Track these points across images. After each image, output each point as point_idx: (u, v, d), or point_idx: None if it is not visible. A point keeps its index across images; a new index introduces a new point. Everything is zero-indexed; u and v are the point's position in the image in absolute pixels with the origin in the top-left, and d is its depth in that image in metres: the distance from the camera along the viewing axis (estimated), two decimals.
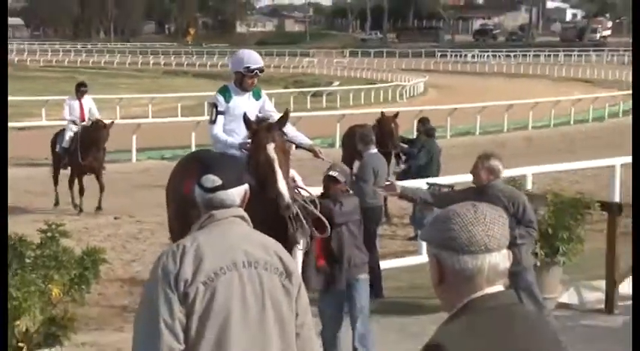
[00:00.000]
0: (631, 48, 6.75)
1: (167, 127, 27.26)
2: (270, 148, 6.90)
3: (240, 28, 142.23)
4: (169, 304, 3.51)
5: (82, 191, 16.48)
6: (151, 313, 3.57)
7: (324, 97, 45.67)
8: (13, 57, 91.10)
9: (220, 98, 8.04)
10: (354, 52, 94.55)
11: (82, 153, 16.30)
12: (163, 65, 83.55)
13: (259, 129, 7.15)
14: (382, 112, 16.41)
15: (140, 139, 23.79)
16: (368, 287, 7.79)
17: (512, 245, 6.10)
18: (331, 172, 7.66)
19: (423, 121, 15.42)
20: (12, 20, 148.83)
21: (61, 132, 17.10)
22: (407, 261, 11.55)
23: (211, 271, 3.56)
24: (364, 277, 7.70)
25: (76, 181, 16.53)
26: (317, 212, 7.45)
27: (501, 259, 2.55)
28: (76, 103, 16.96)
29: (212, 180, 3.74)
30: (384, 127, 15.28)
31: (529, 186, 12.36)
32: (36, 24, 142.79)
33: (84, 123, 16.69)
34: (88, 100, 17.11)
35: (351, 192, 8.18)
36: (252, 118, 7.79)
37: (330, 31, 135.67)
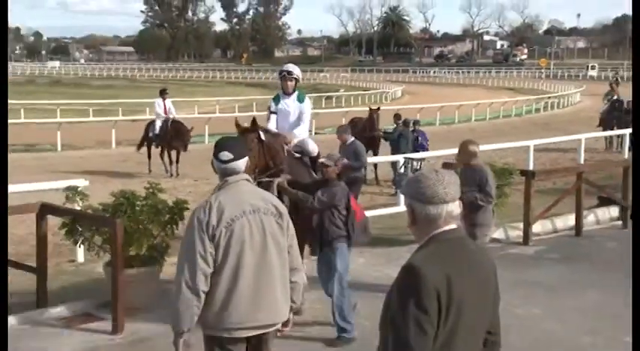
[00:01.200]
0: (631, 47, 6.03)
1: (228, 119, 27.23)
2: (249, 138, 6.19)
3: (277, 53, 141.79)
4: (202, 242, 3.68)
5: (171, 162, 16.48)
6: (189, 249, 3.72)
7: (334, 100, 45.51)
8: (127, 73, 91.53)
9: (272, 103, 7.55)
10: (354, 69, 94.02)
11: (173, 136, 16.41)
12: (226, 78, 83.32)
13: (243, 129, 6.34)
14: (369, 107, 17.03)
15: (211, 127, 23.73)
16: (345, 254, 6.41)
17: (474, 206, 5.86)
18: (320, 160, 6.80)
19: (397, 116, 15.47)
20: (126, 48, 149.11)
21: (152, 122, 17.16)
22: (389, 210, 11.51)
23: (229, 218, 3.73)
24: (339, 245, 6.34)
25: (166, 155, 16.55)
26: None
27: (455, 207, 2.62)
28: (160, 103, 17.03)
29: (226, 155, 3.86)
30: (369, 118, 15.94)
31: None
32: (142, 51, 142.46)
33: (165, 116, 16.82)
34: (168, 102, 17.18)
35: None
36: (294, 115, 7.36)
37: (338, 55, 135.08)
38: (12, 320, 6.42)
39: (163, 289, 7.49)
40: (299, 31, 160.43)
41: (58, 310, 6.75)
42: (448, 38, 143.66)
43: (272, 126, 7.25)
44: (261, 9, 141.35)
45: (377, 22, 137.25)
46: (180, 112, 21.67)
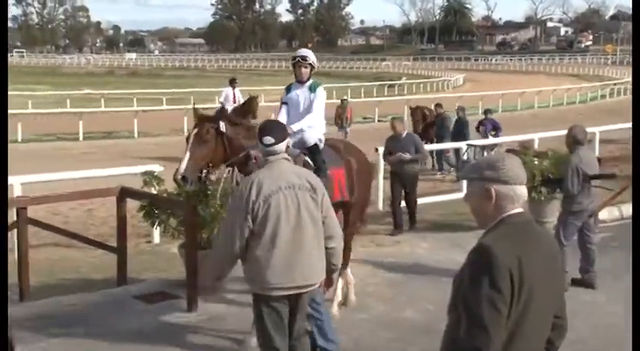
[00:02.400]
0: (631, 48, 5.63)
1: None
2: (192, 133, 5.44)
3: (341, 43, 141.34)
4: (240, 213, 4.17)
5: None
6: (229, 216, 4.37)
7: (396, 88, 45.03)
8: (197, 64, 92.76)
9: (284, 92, 6.58)
10: (416, 58, 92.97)
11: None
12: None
13: (201, 118, 5.57)
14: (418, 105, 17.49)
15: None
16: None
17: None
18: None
19: (438, 105, 15.96)
20: (196, 40, 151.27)
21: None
22: (453, 196, 11.34)
23: (267, 193, 4.15)
24: None
25: None
26: None
27: (525, 191, 2.64)
28: (230, 92, 17.19)
29: (269, 139, 4.26)
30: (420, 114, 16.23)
31: (536, 147, 11.99)
32: (212, 42, 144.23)
33: (235, 104, 16.99)
34: (237, 91, 17.35)
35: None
36: (303, 106, 6.25)
37: (400, 44, 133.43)
38: (95, 297, 6.66)
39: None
40: (362, 21, 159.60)
41: (137, 288, 6.94)
42: (511, 26, 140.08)
43: (282, 117, 6.31)
44: (326, 0, 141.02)
45: (439, 10, 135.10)
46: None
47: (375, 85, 44.95)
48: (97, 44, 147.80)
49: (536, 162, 9.81)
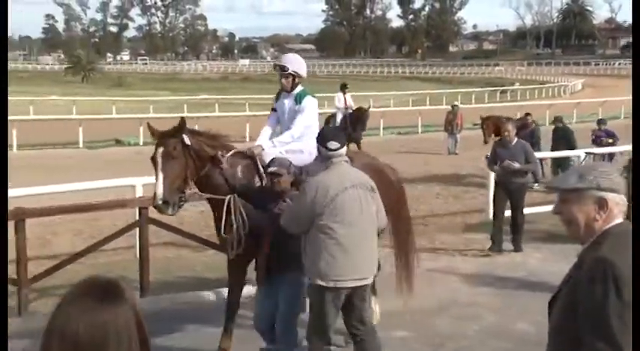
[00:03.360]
0: (631, 48, 4.98)
1: (401, 113, 27.27)
2: (158, 152, 5.02)
3: (452, 48, 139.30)
4: (302, 208, 4.54)
5: None
6: (292, 208, 4.71)
7: (508, 94, 43.93)
8: (308, 69, 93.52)
9: (275, 98, 6.11)
10: (531, 63, 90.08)
11: (352, 128, 16.71)
12: (400, 73, 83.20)
13: (157, 135, 5.14)
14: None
15: (385, 121, 23.89)
16: (298, 285, 4.97)
17: None
18: (270, 168, 5.18)
19: (528, 114, 14.96)
20: (307, 46, 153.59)
21: (333, 115, 17.49)
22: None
23: (333, 193, 4.47)
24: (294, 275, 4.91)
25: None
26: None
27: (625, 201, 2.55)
28: (342, 97, 17.31)
29: (334, 144, 4.61)
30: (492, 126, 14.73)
31: None
32: (322, 48, 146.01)
33: (347, 110, 17.09)
34: (348, 96, 17.45)
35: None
36: (287, 117, 5.77)
37: (514, 49, 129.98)
38: (210, 296, 6.91)
39: None
40: (474, 26, 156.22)
41: (248, 289, 7.13)
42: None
43: (270, 124, 5.96)
44: (437, 4, 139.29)
45: (557, 13, 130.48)
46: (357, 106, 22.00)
47: (487, 90, 44.03)
48: (213, 51, 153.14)
49: None
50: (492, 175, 10.11)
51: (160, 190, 4.96)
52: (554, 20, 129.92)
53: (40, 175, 12.53)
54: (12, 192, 7.08)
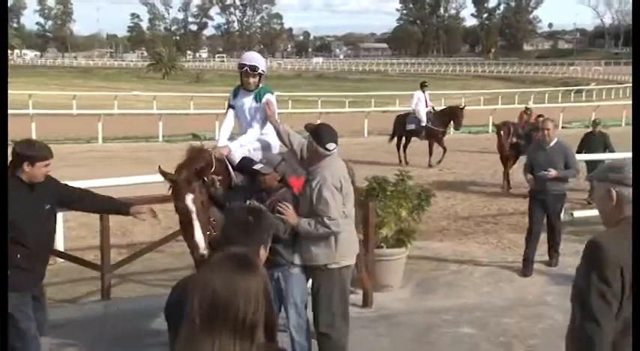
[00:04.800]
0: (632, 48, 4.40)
1: (475, 112, 26.78)
2: (189, 199, 4.74)
3: (526, 47, 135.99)
4: (340, 200, 4.76)
5: (431, 152, 16.43)
6: (336, 204, 4.75)
7: (584, 94, 42.59)
8: (380, 68, 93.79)
9: (231, 95, 5.79)
10: (608, 63, 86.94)
11: (437, 127, 16.42)
12: (473, 72, 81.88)
13: (178, 180, 4.79)
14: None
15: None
16: (298, 279, 4.96)
17: None
18: (255, 166, 5.12)
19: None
20: (380, 45, 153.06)
21: (407, 114, 17.17)
22: None
23: (342, 182, 4.77)
24: (296, 271, 4.95)
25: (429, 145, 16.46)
26: None
27: None
28: (421, 95, 17.02)
29: (332, 146, 4.72)
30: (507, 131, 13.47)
31: None
32: (395, 47, 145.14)
33: (427, 108, 16.78)
34: (427, 94, 17.18)
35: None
36: (249, 116, 5.56)
37: (591, 48, 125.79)
38: None
39: (409, 269, 7.65)
40: (550, 25, 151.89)
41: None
42: None
43: (228, 122, 5.69)
44: (513, 3, 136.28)
45: None
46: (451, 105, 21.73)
47: (561, 90, 42.81)
48: (288, 49, 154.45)
49: None
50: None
51: (201, 241, 4.71)
52: None
53: (126, 167, 12.96)
54: (99, 182, 7.36)
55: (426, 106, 16.79)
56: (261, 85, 5.57)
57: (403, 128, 16.90)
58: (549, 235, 8.06)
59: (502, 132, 13.36)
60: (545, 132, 7.80)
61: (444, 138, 16.88)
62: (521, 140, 12.99)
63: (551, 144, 7.76)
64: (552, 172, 7.58)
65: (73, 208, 5.11)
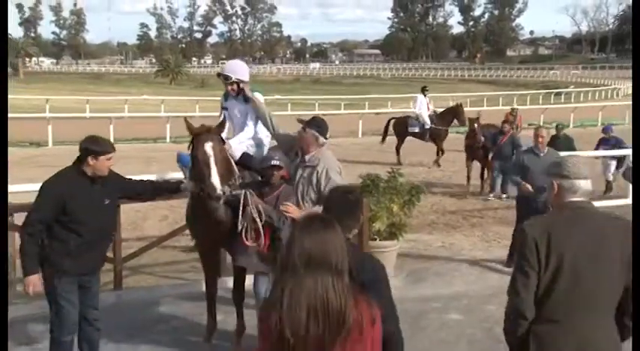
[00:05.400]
0: (632, 48, 4.31)
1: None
2: (208, 146, 4.78)
3: (509, 53, 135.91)
4: (342, 178, 5.01)
5: (438, 152, 16.14)
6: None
7: (563, 96, 42.57)
8: (373, 72, 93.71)
9: (222, 99, 5.81)
10: (585, 67, 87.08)
11: (441, 126, 16.20)
12: (460, 76, 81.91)
13: (200, 131, 4.87)
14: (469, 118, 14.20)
15: None
16: None
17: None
18: (272, 162, 5.02)
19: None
20: (373, 51, 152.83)
21: (407, 117, 16.83)
22: (618, 202, 10.27)
23: (338, 165, 5.07)
24: None
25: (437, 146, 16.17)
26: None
27: (585, 183, 3.01)
28: (423, 99, 16.66)
29: (328, 135, 5.07)
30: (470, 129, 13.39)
31: None
32: (387, 53, 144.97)
33: (429, 111, 16.50)
34: (427, 98, 16.83)
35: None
36: (239, 115, 5.64)
37: (569, 54, 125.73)
38: None
39: (401, 260, 7.68)
40: (531, 32, 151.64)
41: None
42: None
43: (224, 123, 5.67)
44: (496, 12, 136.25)
45: (612, 19, 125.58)
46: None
47: (542, 93, 42.85)
48: (287, 55, 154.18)
49: None
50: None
51: (218, 183, 4.69)
52: (610, 26, 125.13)
53: (138, 166, 12.95)
54: None
55: (428, 110, 16.62)
56: (246, 90, 5.54)
57: (405, 131, 16.58)
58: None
59: (476, 125, 13.03)
60: (540, 139, 7.48)
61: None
62: (488, 142, 12.57)
63: (545, 150, 7.49)
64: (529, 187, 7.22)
65: (133, 199, 5.17)
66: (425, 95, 16.76)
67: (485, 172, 12.97)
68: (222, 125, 5.06)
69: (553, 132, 11.87)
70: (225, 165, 4.91)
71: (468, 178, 13.16)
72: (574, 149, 11.91)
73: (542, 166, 6.66)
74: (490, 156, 12.54)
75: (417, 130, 16.46)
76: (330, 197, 3.21)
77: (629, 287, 2.91)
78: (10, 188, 5.29)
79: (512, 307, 2.93)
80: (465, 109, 16.74)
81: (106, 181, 4.52)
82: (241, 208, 4.86)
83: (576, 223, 2.93)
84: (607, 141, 12.32)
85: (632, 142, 6.23)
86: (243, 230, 4.91)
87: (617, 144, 12.05)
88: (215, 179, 4.68)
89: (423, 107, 16.52)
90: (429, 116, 16.47)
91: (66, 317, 4.45)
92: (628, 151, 10.85)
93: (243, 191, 4.91)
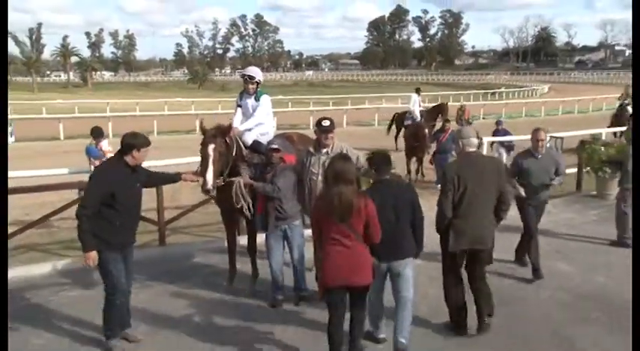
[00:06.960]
0: (632, 48, 4.01)
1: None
2: (210, 148, 4.66)
3: (457, 62, 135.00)
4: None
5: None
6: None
7: (497, 95, 42.35)
8: (354, 78, 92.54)
9: (238, 97, 5.72)
10: (512, 73, 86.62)
11: (428, 121, 14.09)
12: (420, 80, 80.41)
13: (207, 133, 4.75)
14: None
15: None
16: (301, 231, 4.91)
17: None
18: (272, 145, 4.97)
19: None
20: (354, 61, 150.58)
21: (405, 112, 15.41)
22: None
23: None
24: (297, 223, 4.86)
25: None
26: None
27: (473, 141, 4.22)
28: (417, 98, 15.30)
29: (327, 121, 4.99)
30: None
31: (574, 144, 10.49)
32: (364, 63, 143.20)
33: (420, 108, 15.26)
34: (420, 97, 15.12)
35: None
36: (251, 110, 5.55)
37: (500, 63, 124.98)
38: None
39: None
40: (473, 46, 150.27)
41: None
42: (586, 49, 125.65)
43: (238, 117, 5.63)
44: (447, 31, 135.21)
45: (531, 38, 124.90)
46: (390, 104, 21.37)
47: (481, 92, 42.68)
48: (287, 65, 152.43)
49: (602, 149, 8.96)
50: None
51: (210, 180, 4.61)
52: (529, 43, 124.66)
53: (174, 153, 12.78)
54: (160, 162, 7.10)
55: (420, 106, 15.66)
56: (259, 90, 5.62)
57: (402, 123, 15.39)
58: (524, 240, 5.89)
59: (434, 110, 11.95)
60: (540, 143, 5.50)
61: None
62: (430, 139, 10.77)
63: (543, 152, 5.54)
64: (557, 181, 5.62)
65: (147, 185, 4.96)
66: (419, 95, 15.67)
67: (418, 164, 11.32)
68: (230, 127, 5.00)
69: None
70: (220, 162, 4.75)
71: (408, 171, 11.19)
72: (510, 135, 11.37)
73: (540, 168, 5.51)
74: (432, 152, 10.64)
75: (410, 123, 14.83)
76: (373, 156, 3.94)
77: (502, 190, 4.17)
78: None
79: (441, 211, 4.16)
80: (426, 104, 15.92)
81: (139, 170, 4.30)
82: (234, 193, 4.91)
83: (471, 163, 4.12)
84: (498, 132, 11.56)
85: (632, 142, 5.93)
86: (243, 206, 4.99)
87: (505, 134, 11.41)
88: (209, 176, 4.60)
89: (415, 105, 15.48)
90: (420, 112, 15.74)
91: (118, 282, 4.19)
92: (513, 138, 10.94)
93: (236, 179, 4.89)
